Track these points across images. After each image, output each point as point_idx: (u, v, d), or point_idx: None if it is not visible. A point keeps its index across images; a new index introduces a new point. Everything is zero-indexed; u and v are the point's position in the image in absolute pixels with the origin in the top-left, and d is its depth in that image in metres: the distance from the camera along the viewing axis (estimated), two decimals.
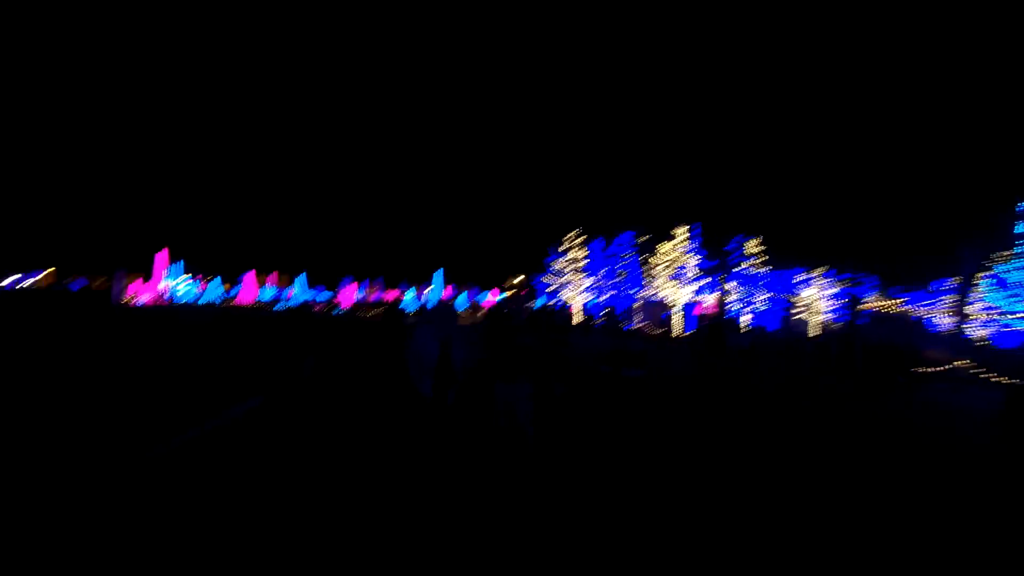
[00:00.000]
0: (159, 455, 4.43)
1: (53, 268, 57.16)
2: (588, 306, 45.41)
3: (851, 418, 8.88)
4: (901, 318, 36.26)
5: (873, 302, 41.26)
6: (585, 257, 46.23)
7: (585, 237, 46.65)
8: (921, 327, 36.07)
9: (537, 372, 4.31)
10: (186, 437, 4.99)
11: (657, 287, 42.02)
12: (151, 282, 50.10)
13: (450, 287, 54.65)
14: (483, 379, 4.20)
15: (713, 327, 21.47)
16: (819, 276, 44.33)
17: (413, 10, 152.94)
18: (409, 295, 54.29)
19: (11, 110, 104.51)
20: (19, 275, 51.91)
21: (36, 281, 54.24)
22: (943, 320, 41.86)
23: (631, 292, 44.06)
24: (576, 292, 45.98)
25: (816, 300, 43.81)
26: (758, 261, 41.62)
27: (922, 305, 43.65)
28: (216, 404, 6.57)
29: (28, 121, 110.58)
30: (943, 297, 42.82)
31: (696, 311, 39.75)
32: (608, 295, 45.11)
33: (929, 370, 13.60)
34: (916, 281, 46.25)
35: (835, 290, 44.03)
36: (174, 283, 52.22)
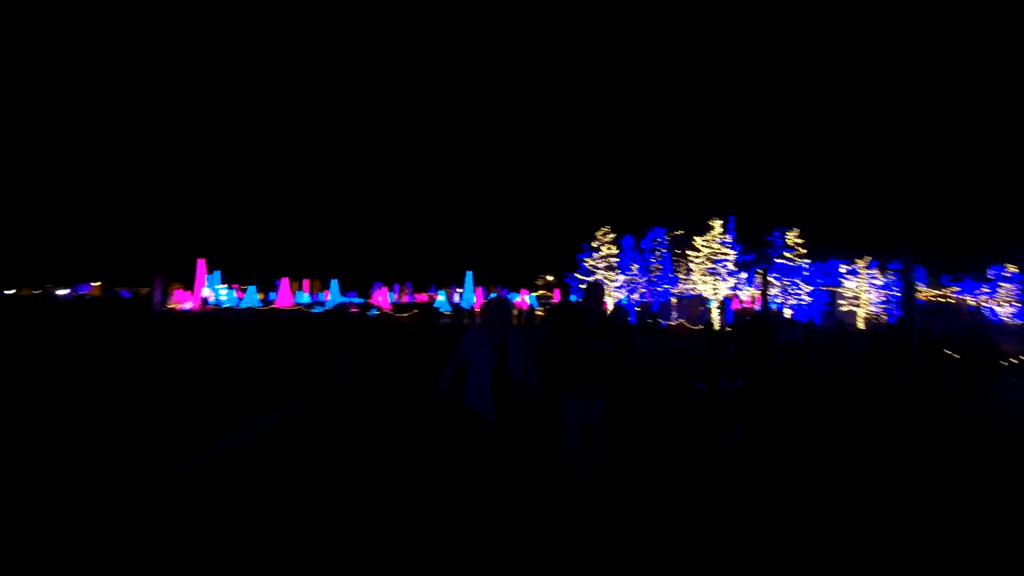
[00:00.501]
0: (188, 472, 4.24)
1: (100, 283, 59.93)
2: (622, 304, 44.54)
3: (936, 420, 8.17)
4: (958, 308, 34.15)
5: (925, 291, 39.07)
6: (616, 254, 45.35)
7: (615, 235, 45.76)
8: (981, 317, 33.91)
9: (613, 384, 3.64)
10: (218, 450, 4.82)
11: (693, 282, 40.82)
12: (193, 290, 51.75)
13: (479, 289, 54.48)
14: (549, 394, 3.58)
15: (757, 322, 20.53)
16: (864, 266, 42.30)
17: (440, 17, 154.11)
18: (441, 297, 54.38)
19: (49, 135, 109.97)
20: (67, 290, 54.57)
21: (89, 293, 57.11)
22: (1005, 309, 39.36)
23: (666, 288, 42.99)
24: (609, 290, 45.13)
25: (863, 291, 41.81)
26: (798, 252, 39.97)
27: (978, 294, 41.11)
28: (253, 409, 6.44)
29: (64, 141, 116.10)
30: (1002, 284, 40.28)
31: (734, 305, 38.43)
32: (641, 292, 44.15)
33: (1004, 364, 12.55)
34: (967, 269, 43.66)
35: (881, 280, 41.92)
36: (215, 291, 53.80)
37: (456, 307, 42.43)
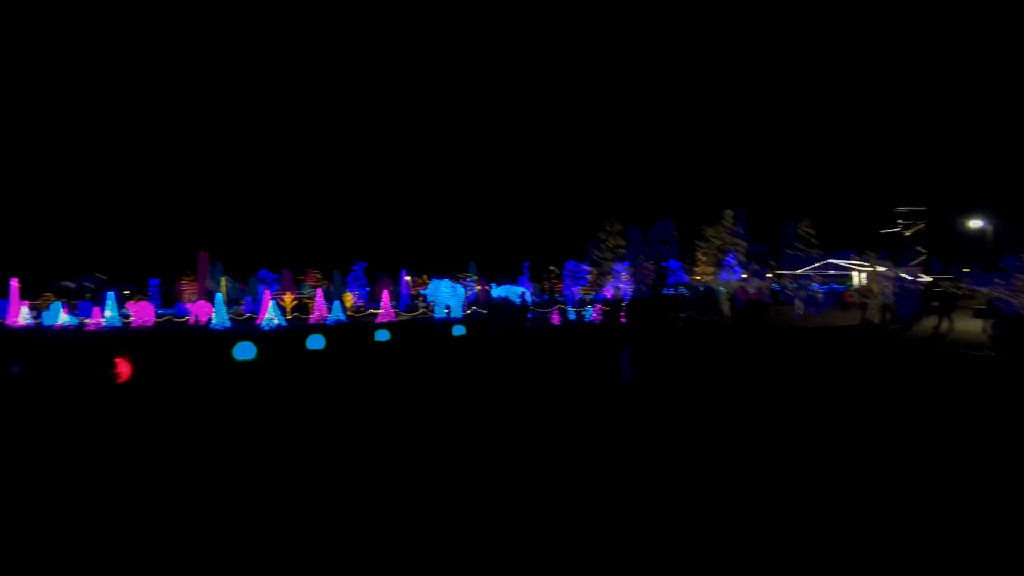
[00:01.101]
0: (181, 471, 4.04)
1: (105, 277, 60.22)
2: (627, 296, 44.15)
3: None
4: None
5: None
6: (624, 245, 44.92)
7: (622, 226, 45.30)
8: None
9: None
10: (204, 447, 4.60)
11: (702, 274, 40.51)
12: (198, 282, 51.70)
13: (481, 280, 54.20)
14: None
15: (752, 303, 20.00)
16: (874, 258, 41.80)
17: (442, 2, 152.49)
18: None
19: (47, 136, 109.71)
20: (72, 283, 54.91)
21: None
22: (1020, 300, 38.79)
23: (674, 280, 42.64)
24: (615, 281, 44.79)
25: (873, 284, 41.34)
26: (808, 243, 39.55)
27: (991, 286, 40.64)
28: (246, 401, 6.18)
29: (64, 135, 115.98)
30: (1017, 276, 39.70)
31: (741, 295, 37.98)
32: (648, 283, 43.75)
33: None
34: (976, 260, 43.14)
35: (893, 274, 41.41)
36: (217, 283, 53.71)
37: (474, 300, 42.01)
